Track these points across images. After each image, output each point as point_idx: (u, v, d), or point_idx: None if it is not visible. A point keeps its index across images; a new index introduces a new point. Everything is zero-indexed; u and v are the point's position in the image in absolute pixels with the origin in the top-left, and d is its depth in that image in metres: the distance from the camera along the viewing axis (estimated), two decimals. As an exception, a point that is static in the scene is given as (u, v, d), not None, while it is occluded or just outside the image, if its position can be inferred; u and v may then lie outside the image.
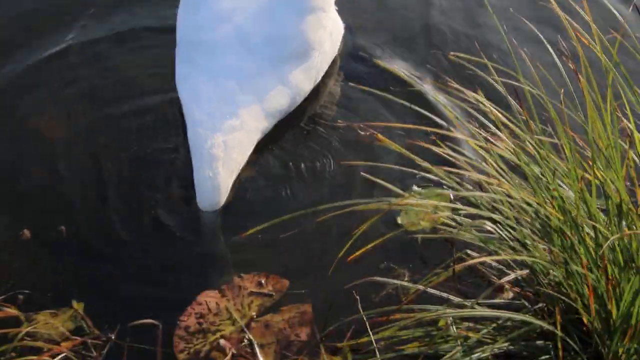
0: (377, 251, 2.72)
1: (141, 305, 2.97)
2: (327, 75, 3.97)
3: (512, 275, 2.46)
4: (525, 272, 2.54)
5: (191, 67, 3.62)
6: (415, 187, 3.31)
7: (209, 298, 3.01)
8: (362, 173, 3.18)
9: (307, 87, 3.77)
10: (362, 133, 3.52)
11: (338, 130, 3.74)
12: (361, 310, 2.75)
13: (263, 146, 3.58)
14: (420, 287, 2.49)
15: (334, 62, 4.02)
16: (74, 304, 2.91)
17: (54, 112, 3.83)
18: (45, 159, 3.60)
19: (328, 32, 3.86)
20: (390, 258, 3.10)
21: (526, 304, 2.67)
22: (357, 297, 2.85)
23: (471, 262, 2.43)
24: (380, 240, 2.61)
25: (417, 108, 3.15)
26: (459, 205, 2.92)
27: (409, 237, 3.11)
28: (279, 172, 3.59)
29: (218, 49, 3.58)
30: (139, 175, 3.57)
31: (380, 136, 2.71)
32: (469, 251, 2.93)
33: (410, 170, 2.99)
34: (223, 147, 3.22)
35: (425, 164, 2.81)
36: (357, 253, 2.55)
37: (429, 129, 2.98)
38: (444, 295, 2.62)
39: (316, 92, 3.92)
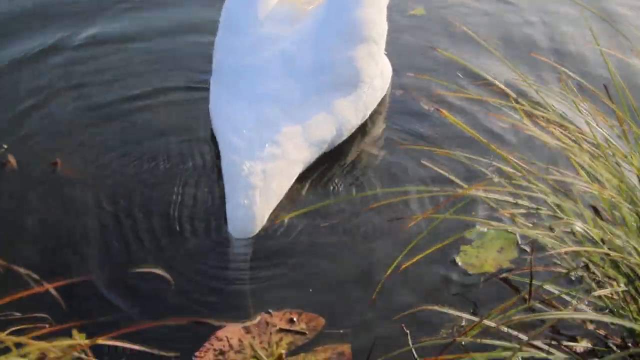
0: (430, 289, 2.83)
1: (155, 337, 2.52)
2: (376, 113, 3.93)
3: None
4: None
5: (230, 92, 3.60)
6: (478, 227, 3.16)
7: (231, 334, 2.81)
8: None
9: (354, 120, 3.69)
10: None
11: (380, 170, 3.65)
12: (410, 344, 2.63)
13: (303, 178, 3.48)
14: (492, 323, 2.23)
15: (383, 102, 3.99)
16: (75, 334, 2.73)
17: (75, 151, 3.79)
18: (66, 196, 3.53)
19: (379, 68, 3.85)
20: (443, 298, 2.90)
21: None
22: (407, 330, 2.74)
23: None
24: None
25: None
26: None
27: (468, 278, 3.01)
28: (316, 205, 3.40)
29: (261, 74, 3.57)
30: (165, 204, 3.42)
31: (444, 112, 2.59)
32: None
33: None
34: (262, 176, 3.15)
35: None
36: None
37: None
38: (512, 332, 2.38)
39: (363, 129, 3.85)
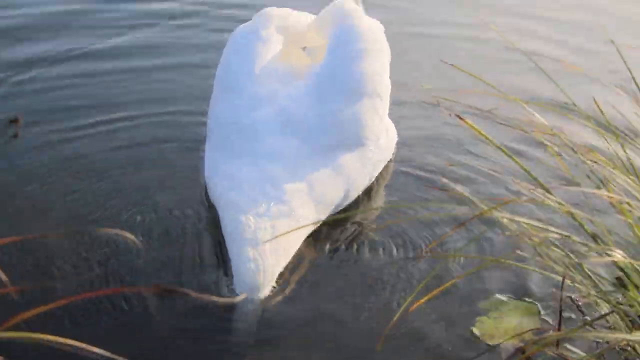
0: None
1: None
2: (382, 177, 3.94)
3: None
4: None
5: (228, 153, 3.55)
6: (498, 296, 3.10)
7: None
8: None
9: (361, 180, 3.65)
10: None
11: (390, 234, 3.51)
12: None
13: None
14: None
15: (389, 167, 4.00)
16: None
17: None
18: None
19: (384, 125, 3.82)
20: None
21: None
22: None
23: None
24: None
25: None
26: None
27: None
28: (323, 267, 3.40)
29: (261, 132, 3.51)
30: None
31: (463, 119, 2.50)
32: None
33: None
34: (271, 231, 3.07)
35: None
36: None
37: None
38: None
39: (370, 192, 3.84)
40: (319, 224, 3.43)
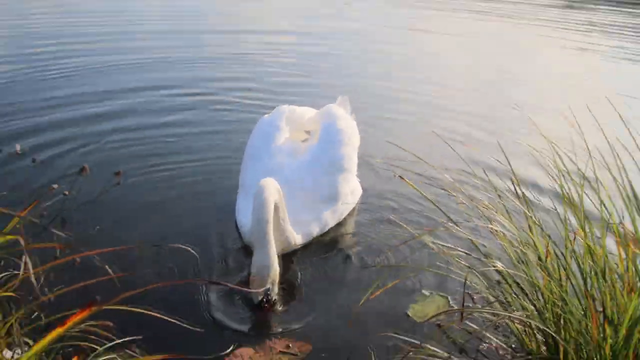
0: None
1: (195, 353, 2.65)
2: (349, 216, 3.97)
3: None
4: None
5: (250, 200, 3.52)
6: (424, 292, 3.19)
7: (244, 352, 2.75)
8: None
9: (332, 222, 3.84)
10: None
11: (354, 251, 3.60)
12: None
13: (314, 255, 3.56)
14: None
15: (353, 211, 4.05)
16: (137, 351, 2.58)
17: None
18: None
19: (350, 189, 3.97)
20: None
21: None
22: (372, 349, 2.71)
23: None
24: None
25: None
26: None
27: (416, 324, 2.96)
28: (309, 272, 3.40)
29: None
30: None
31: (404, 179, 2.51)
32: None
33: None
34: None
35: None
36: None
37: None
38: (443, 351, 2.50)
39: (340, 226, 3.89)
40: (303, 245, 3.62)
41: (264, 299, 3.03)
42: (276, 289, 3.11)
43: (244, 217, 3.62)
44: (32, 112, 5.48)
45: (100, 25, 9.59)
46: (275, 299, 3.07)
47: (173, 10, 11.34)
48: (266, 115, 4.21)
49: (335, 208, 3.83)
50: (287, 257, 3.48)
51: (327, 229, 3.78)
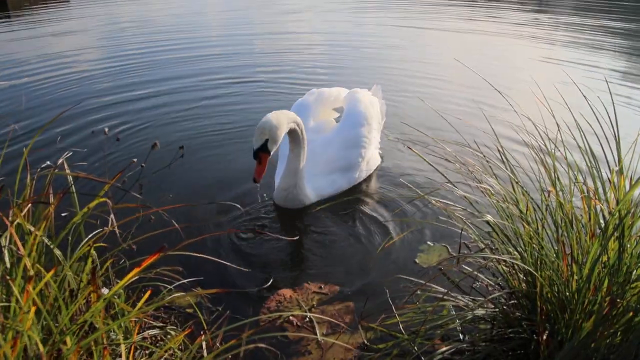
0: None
1: (244, 291, 2.82)
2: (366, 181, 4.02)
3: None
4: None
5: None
6: (429, 242, 3.25)
7: (286, 292, 2.88)
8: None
9: (345, 186, 3.90)
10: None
11: (369, 208, 3.65)
12: (390, 300, 2.68)
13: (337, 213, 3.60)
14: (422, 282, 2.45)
15: (371, 177, 4.10)
16: (199, 289, 2.70)
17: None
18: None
19: (365, 161, 3.96)
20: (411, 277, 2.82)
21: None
22: (387, 289, 2.77)
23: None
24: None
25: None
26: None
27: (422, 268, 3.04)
28: (333, 225, 3.49)
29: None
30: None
31: (411, 148, 2.55)
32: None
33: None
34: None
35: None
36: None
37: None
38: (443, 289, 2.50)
39: (358, 190, 3.95)
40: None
41: (260, 148, 3.15)
42: (273, 147, 3.19)
43: (277, 178, 3.75)
44: (116, 101, 5.71)
45: (166, 30, 9.74)
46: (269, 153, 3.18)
47: (226, 20, 11.39)
48: (300, 98, 4.25)
49: (349, 175, 3.87)
50: (315, 215, 3.56)
51: (339, 191, 3.82)
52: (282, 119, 3.22)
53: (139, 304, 1.79)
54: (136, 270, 1.70)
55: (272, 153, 3.22)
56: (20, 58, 7.80)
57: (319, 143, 3.87)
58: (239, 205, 3.44)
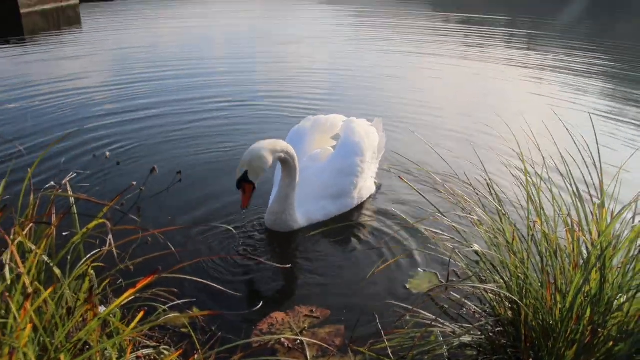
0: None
1: (237, 313, 2.79)
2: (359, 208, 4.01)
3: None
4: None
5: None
6: (419, 269, 3.23)
7: (278, 315, 2.85)
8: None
9: (334, 212, 3.87)
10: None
11: (360, 234, 3.64)
12: (379, 325, 2.69)
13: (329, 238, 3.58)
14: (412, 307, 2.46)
15: (364, 204, 4.08)
16: (195, 310, 2.74)
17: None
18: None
19: (357, 189, 3.95)
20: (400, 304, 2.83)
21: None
22: (377, 314, 2.78)
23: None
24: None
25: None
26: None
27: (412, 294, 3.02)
28: (325, 248, 3.47)
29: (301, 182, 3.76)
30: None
31: (402, 178, 2.54)
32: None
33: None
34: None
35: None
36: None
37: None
38: (432, 315, 2.46)
39: (349, 216, 3.93)
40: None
41: (241, 178, 3.21)
42: (255, 179, 3.23)
43: (270, 201, 3.75)
44: (117, 127, 5.68)
45: (170, 56, 9.83)
46: (253, 186, 3.25)
47: (229, 48, 11.53)
48: (297, 125, 4.27)
49: (340, 202, 3.87)
50: (308, 240, 3.55)
51: (329, 217, 3.81)
52: (264, 152, 3.26)
53: (133, 323, 1.79)
54: (131, 290, 1.71)
55: (256, 183, 3.27)
56: (30, 80, 7.84)
57: (313, 170, 3.90)
58: (232, 229, 3.45)
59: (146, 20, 15.93)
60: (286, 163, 3.46)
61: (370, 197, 4.17)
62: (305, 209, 3.73)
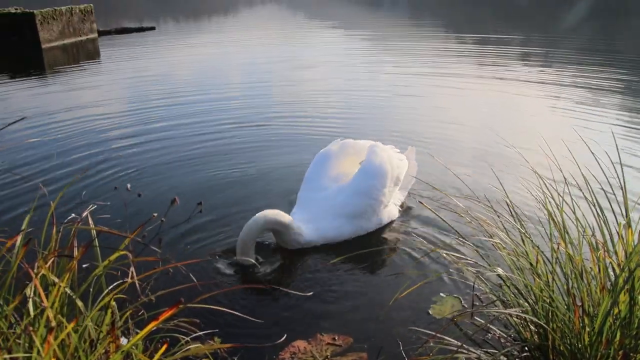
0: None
1: (260, 343, 2.75)
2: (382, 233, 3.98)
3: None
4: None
5: (299, 209, 3.95)
6: (442, 294, 3.19)
7: (300, 344, 2.83)
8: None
9: (347, 232, 3.88)
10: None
11: (388, 254, 3.65)
12: (403, 352, 2.65)
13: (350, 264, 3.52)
14: (435, 333, 2.34)
15: (385, 229, 4.05)
16: (217, 341, 2.74)
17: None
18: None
19: (375, 212, 3.96)
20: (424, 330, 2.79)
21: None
22: (400, 341, 2.74)
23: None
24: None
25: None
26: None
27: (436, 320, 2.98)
28: (348, 275, 3.44)
29: (314, 202, 3.96)
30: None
31: (423, 203, 2.51)
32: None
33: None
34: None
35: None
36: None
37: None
38: (456, 342, 2.39)
39: (369, 240, 3.90)
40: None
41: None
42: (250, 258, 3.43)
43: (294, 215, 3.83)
44: (138, 159, 5.76)
45: (187, 83, 9.98)
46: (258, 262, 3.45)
47: (246, 74, 11.66)
48: (324, 149, 4.31)
49: (355, 223, 3.87)
50: (329, 267, 3.53)
51: (342, 237, 3.82)
52: (247, 239, 3.46)
53: (156, 356, 1.79)
54: (154, 323, 1.71)
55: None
56: (50, 111, 8.00)
57: (332, 190, 3.95)
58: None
59: (162, 50, 16.21)
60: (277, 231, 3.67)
61: (391, 222, 4.14)
62: (317, 226, 3.76)
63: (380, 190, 3.91)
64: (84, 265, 2.40)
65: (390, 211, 4.15)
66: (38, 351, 1.62)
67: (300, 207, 4.01)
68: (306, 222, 3.77)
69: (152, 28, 22.41)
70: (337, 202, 3.87)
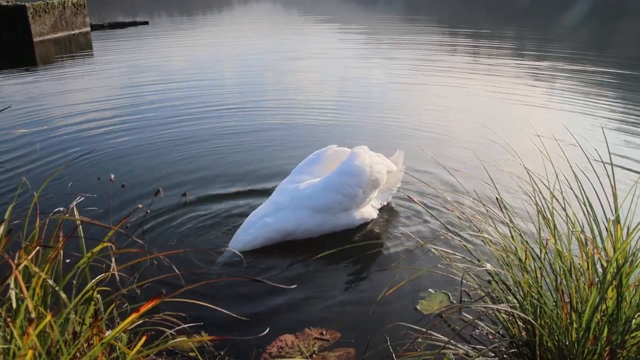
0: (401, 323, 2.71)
1: (247, 336, 2.72)
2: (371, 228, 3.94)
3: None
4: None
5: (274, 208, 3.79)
6: (430, 290, 3.18)
7: (288, 338, 2.81)
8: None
9: (311, 227, 3.77)
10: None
11: (376, 249, 3.59)
12: (390, 347, 2.62)
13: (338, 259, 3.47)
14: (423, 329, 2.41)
15: (375, 224, 4.00)
16: (204, 335, 2.71)
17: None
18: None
19: (345, 211, 3.87)
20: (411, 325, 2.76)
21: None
22: (388, 337, 2.70)
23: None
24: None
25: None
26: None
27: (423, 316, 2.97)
28: (342, 273, 3.40)
29: (283, 192, 3.91)
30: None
31: (412, 198, 2.49)
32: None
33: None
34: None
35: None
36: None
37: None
38: (444, 337, 2.40)
39: (362, 236, 3.87)
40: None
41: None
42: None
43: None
44: (123, 150, 5.75)
45: (178, 76, 9.91)
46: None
47: (242, 72, 11.61)
48: (314, 152, 4.24)
49: (319, 218, 3.75)
50: (317, 262, 3.49)
51: (301, 229, 3.72)
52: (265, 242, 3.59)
53: (136, 347, 1.76)
54: (135, 315, 1.68)
55: None
56: (39, 104, 7.96)
57: (305, 184, 3.87)
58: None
59: (154, 44, 16.08)
60: None
61: (370, 222, 4.04)
62: (278, 215, 3.68)
63: (352, 189, 3.79)
64: (67, 261, 2.38)
65: (366, 212, 4.03)
66: (17, 343, 1.58)
67: (270, 199, 3.92)
68: (271, 215, 3.70)
69: (146, 23, 22.23)
70: (304, 193, 3.77)
